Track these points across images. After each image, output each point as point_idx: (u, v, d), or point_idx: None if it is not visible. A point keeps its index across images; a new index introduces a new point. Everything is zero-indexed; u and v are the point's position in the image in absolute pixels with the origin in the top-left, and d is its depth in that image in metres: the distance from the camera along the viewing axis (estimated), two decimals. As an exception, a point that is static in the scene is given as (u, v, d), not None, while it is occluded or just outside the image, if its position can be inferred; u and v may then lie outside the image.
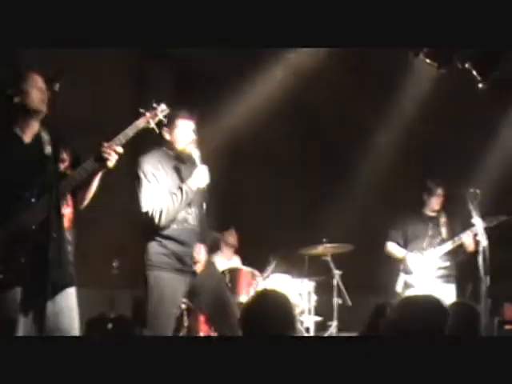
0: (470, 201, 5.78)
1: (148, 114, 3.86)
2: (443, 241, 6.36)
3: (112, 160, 3.56)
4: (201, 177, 4.68)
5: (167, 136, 4.72)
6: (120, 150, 3.59)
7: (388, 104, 7.66)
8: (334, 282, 6.79)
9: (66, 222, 3.59)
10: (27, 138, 3.59)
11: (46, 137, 3.52)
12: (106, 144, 3.56)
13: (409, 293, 6.23)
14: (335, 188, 7.84)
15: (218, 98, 7.39)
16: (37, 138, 3.56)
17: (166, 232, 4.68)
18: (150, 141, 4.19)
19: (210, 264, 4.93)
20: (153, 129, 3.87)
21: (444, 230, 6.41)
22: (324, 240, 6.72)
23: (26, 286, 3.37)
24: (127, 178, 4.78)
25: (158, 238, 4.69)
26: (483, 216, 5.87)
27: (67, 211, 3.60)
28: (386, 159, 7.75)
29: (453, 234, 6.32)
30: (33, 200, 3.44)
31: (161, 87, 6.86)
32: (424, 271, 6.33)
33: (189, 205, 4.71)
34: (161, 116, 3.93)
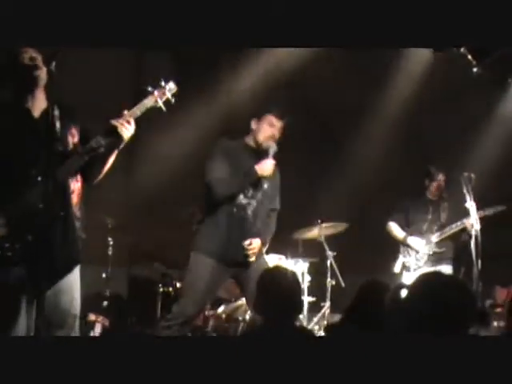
0: (464, 184, 5.84)
1: (156, 93, 3.64)
2: (442, 226, 6.48)
3: (123, 129, 3.48)
4: (266, 167, 4.86)
5: (253, 125, 4.96)
6: (132, 121, 3.51)
7: (384, 87, 7.68)
8: (328, 263, 6.84)
9: (75, 198, 3.56)
10: (36, 113, 3.55)
11: (55, 112, 3.46)
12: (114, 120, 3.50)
13: (406, 275, 6.37)
14: (330, 170, 7.86)
15: (215, 82, 7.42)
16: (45, 114, 3.49)
17: (222, 216, 4.84)
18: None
19: (261, 260, 5.01)
20: (160, 108, 3.63)
21: (444, 215, 6.52)
22: (319, 221, 6.76)
23: (31, 264, 3.32)
24: (125, 156, 4.79)
25: (212, 221, 4.87)
26: (482, 206, 5.94)
27: (76, 187, 3.58)
28: (381, 141, 7.77)
29: (451, 219, 6.41)
30: (39, 178, 3.40)
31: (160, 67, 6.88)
32: (422, 255, 6.46)
33: (252, 196, 4.90)
34: (169, 95, 3.68)
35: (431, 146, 7.73)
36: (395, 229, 6.65)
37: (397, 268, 6.56)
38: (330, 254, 6.84)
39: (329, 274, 6.81)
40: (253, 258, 4.90)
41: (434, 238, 6.47)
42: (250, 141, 5.01)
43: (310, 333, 4.42)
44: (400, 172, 7.46)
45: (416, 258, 6.49)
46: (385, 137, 7.74)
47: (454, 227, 6.31)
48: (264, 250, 5.14)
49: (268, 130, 4.93)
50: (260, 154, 4.93)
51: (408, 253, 6.54)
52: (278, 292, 3.50)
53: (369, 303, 3.44)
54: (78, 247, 3.60)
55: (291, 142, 8.06)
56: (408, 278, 6.25)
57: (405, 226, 6.63)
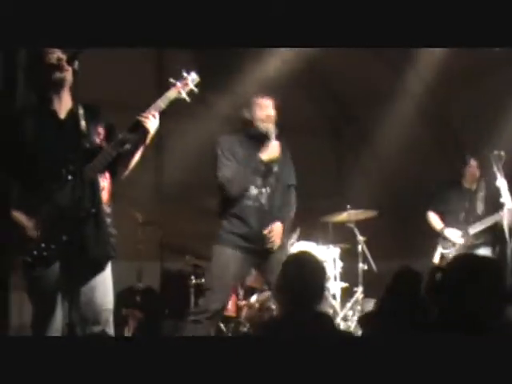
0: (494, 163, 5.78)
1: (179, 84, 3.62)
2: (478, 217, 6.42)
3: (148, 122, 3.49)
4: (272, 151, 4.84)
5: (247, 115, 4.92)
6: (156, 114, 3.51)
7: (410, 70, 7.61)
8: (359, 248, 6.82)
9: (105, 195, 3.58)
10: (62, 113, 3.57)
11: (80, 112, 3.48)
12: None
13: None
14: (360, 154, 7.83)
15: (241, 68, 7.38)
16: (71, 114, 3.52)
17: (237, 210, 4.86)
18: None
19: (283, 252, 4.96)
20: (184, 99, 3.62)
21: (480, 206, 6.48)
22: (348, 207, 6.74)
23: (65, 262, 3.37)
24: (153, 152, 4.81)
25: (229, 216, 4.88)
26: None
27: (106, 184, 3.60)
28: (409, 125, 7.70)
29: (488, 211, 6.34)
30: (69, 177, 3.43)
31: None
32: (460, 246, 6.43)
33: (263, 184, 4.88)
34: (192, 85, 3.66)
35: (459, 125, 7.65)
36: (434, 219, 6.64)
37: (436, 258, 6.55)
38: (360, 239, 6.82)
39: (360, 259, 6.80)
40: (276, 244, 4.86)
41: (471, 229, 6.42)
42: (249, 130, 4.96)
43: (329, 319, 4.31)
44: (430, 157, 7.40)
45: (454, 249, 6.44)
46: (414, 119, 7.66)
47: (491, 220, 6.21)
48: (285, 236, 5.10)
49: (261, 113, 4.89)
50: (263, 139, 4.89)
51: (446, 243, 6.52)
52: (299, 276, 3.44)
53: (403, 291, 3.41)
54: (110, 243, 3.63)
55: (322, 128, 8.13)
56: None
57: (443, 215, 6.60)
